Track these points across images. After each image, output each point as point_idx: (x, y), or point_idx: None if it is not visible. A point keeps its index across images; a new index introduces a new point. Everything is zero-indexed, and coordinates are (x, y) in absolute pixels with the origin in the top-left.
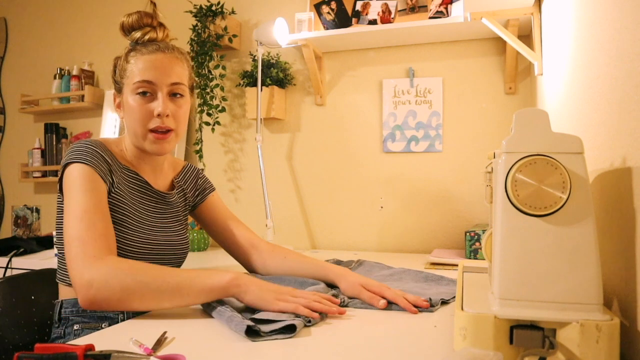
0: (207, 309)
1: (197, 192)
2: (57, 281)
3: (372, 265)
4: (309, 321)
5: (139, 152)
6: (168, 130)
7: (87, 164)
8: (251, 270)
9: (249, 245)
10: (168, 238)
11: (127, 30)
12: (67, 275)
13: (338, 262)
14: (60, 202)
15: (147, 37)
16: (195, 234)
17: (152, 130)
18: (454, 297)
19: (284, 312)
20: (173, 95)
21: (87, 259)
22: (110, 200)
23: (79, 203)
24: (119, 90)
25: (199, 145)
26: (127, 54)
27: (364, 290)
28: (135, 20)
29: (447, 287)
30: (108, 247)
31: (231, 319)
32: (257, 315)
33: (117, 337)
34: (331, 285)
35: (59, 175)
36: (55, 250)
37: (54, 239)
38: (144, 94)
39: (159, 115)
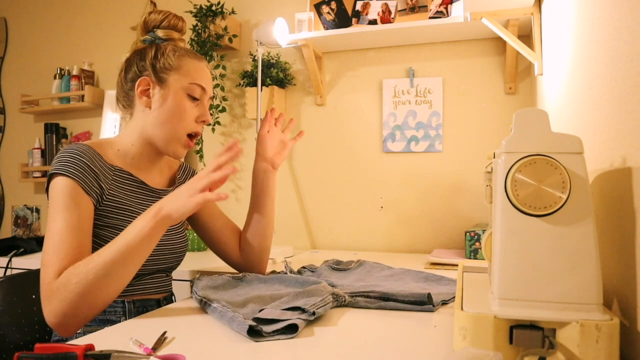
0: (207, 309)
1: None
2: None
3: (372, 266)
4: (313, 313)
5: (148, 151)
6: (195, 137)
7: (71, 177)
8: (250, 271)
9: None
10: (167, 238)
11: (154, 26)
12: None
13: (338, 263)
14: None
15: (178, 42)
16: (195, 234)
17: (189, 135)
18: (454, 297)
19: (203, 202)
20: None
21: (45, 288)
22: (104, 208)
23: (54, 222)
24: (159, 79)
25: (200, 145)
26: (171, 48)
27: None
28: (174, 23)
29: (447, 287)
30: (65, 268)
31: (233, 319)
32: (260, 315)
33: (117, 337)
34: (333, 285)
35: (46, 185)
36: None
37: None
38: (194, 98)
39: (203, 121)
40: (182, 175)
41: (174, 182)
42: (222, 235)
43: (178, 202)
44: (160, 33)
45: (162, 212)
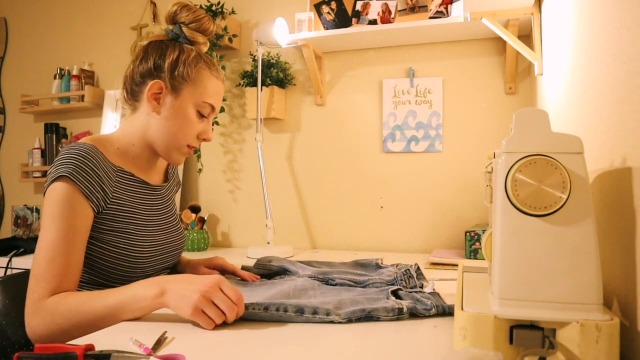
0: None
1: (176, 186)
2: None
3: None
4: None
5: (147, 152)
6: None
7: (73, 181)
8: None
9: None
10: (167, 235)
11: (182, 22)
12: None
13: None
14: None
15: (202, 47)
16: (195, 234)
17: (188, 146)
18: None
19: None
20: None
21: (33, 303)
22: (108, 212)
23: (48, 233)
24: (173, 87)
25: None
26: (194, 57)
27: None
28: (205, 27)
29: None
30: (57, 287)
31: None
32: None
33: (117, 337)
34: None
35: (46, 185)
36: None
37: None
38: (202, 115)
39: (204, 139)
40: (169, 169)
41: (166, 177)
42: None
43: (181, 302)
44: (186, 31)
45: (163, 298)
